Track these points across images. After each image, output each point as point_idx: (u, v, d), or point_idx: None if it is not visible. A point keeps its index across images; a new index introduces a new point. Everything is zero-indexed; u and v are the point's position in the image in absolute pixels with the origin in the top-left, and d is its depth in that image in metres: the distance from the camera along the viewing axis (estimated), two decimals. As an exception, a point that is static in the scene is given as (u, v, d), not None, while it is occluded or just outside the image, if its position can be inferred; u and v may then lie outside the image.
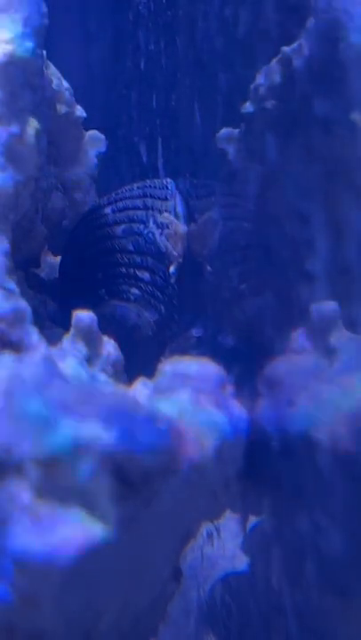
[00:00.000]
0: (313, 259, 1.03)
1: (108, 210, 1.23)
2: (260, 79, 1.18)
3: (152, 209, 1.19)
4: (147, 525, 0.68)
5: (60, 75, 1.26)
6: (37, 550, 0.62)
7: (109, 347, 0.97)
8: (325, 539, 0.75)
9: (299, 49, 1.11)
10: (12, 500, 0.64)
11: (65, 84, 1.26)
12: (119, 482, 0.65)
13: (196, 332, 1.18)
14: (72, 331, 0.94)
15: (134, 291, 1.18)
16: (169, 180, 1.23)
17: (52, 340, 0.95)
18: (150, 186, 1.22)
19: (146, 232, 1.18)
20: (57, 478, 0.65)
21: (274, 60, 1.16)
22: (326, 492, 0.75)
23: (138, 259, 1.18)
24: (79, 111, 1.29)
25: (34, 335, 0.89)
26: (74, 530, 0.63)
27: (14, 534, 0.63)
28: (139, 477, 0.66)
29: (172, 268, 1.17)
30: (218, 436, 0.72)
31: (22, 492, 0.64)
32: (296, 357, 0.85)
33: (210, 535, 1.26)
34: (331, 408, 0.76)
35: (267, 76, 1.17)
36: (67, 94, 1.27)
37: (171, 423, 0.69)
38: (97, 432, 0.65)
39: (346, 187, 1.03)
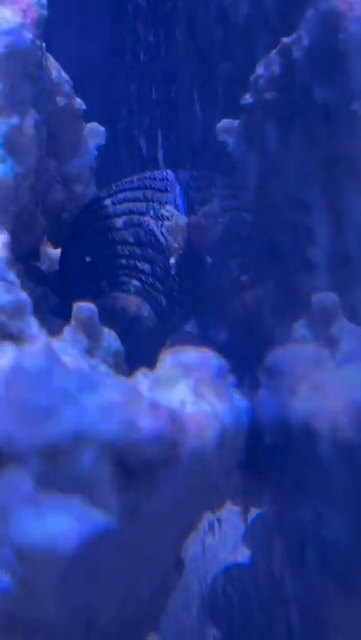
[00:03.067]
0: (314, 248, 1.03)
1: (108, 202, 1.23)
2: (259, 70, 1.18)
3: (152, 201, 1.19)
4: (148, 515, 0.68)
5: (59, 66, 1.26)
6: (39, 540, 0.62)
7: (110, 338, 0.97)
8: (327, 527, 0.75)
9: (298, 39, 1.11)
10: (13, 489, 0.64)
11: (64, 75, 1.26)
12: (120, 471, 0.65)
13: (188, 328, 1.18)
14: (73, 322, 0.94)
15: (135, 282, 1.17)
16: (169, 171, 1.23)
17: (53, 331, 0.95)
18: (150, 177, 1.22)
19: (146, 224, 1.18)
20: (58, 468, 0.64)
21: (273, 51, 1.15)
22: (327, 481, 0.75)
23: (138, 250, 1.18)
24: (79, 103, 1.29)
25: (34, 327, 0.89)
26: (75, 519, 0.63)
27: (16, 524, 0.63)
28: (140, 467, 0.66)
29: (172, 260, 1.17)
30: (219, 426, 0.72)
31: (24, 481, 0.64)
32: (297, 347, 0.85)
33: (211, 526, 1.26)
34: (331, 398, 0.76)
35: (266, 67, 1.17)
36: (66, 86, 1.26)
37: (172, 413, 0.69)
38: (98, 422, 0.65)
39: (346, 175, 1.03)
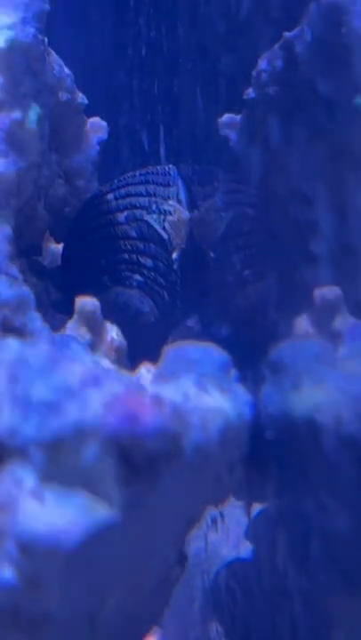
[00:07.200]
0: (317, 240, 1.03)
1: (110, 197, 1.23)
2: (262, 65, 1.18)
3: (154, 195, 1.19)
4: (151, 509, 0.68)
5: (61, 61, 1.26)
6: (42, 533, 0.62)
7: (113, 333, 0.97)
8: (331, 521, 0.75)
9: (301, 34, 1.11)
10: (16, 483, 0.64)
11: (66, 70, 1.26)
12: (123, 465, 0.65)
13: (190, 323, 1.18)
14: (75, 317, 0.94)
15: (137, 277, 1.17)
16: (171, 166, 1.23)
17: (55, 326, 0.95)
18: (153, 172, 1.22)
19: (148, 218, 1.18)
20: (61, 462, 0.64)
21: (276, 46, 1.15)
22: (331, 476, 0.75)
23: (140, 245, 1.18)
24: (81, 98, 1.29)
25: (37, 321, 0.89)
26: (78, 513, 0.63)
27: (19, 518, 0.63)
28: (143, 461, 0.66)
29: (174, 255, 1.17)
30: (222, 421, 0.72)
31: (27, 475, 0.64)
32: (300, 341, 0.85)
33: (214, 521, 1.26)
34: (335, 392, 0.75)
35: (269, 62, 1.17)
36: (68, 81, 1.26)
37: (175, 407, 0.69)
38: (101, 416, 0.65)
39: (350, 168, 1.03)
